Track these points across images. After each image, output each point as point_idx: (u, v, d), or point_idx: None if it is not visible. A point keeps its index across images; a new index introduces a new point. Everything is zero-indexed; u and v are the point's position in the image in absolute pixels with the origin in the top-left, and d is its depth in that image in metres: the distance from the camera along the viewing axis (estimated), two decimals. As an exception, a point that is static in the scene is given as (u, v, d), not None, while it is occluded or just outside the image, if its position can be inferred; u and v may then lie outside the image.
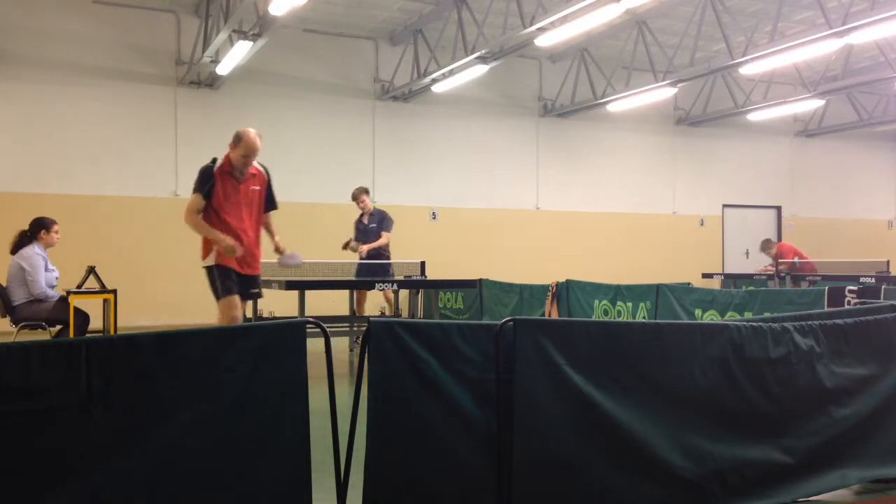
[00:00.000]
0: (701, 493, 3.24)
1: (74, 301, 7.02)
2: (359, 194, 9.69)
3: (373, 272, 9.26)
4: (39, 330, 7.05)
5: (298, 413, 2.82)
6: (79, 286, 7.56)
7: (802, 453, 3.49)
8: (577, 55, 14.95)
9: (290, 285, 7.22)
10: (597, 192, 16.36)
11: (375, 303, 11.09)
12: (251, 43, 10.65)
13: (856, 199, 19.25)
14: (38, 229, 7.21)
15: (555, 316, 10.12)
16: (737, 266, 17.36)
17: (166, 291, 12.48)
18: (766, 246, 12.77)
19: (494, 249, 14.86)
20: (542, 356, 3.01)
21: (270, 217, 6.04)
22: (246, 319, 8.03)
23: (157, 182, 12.76)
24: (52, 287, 7.20)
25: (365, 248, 9.35)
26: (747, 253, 18.02)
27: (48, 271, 7.15)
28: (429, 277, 9.34)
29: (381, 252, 9.50)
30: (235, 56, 11.16)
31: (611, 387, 3.13)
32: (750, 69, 12.89)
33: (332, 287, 8.96)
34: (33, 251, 7.06)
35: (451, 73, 12.91)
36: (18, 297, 7.01)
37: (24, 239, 7.17)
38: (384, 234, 9.43)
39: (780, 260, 12.21)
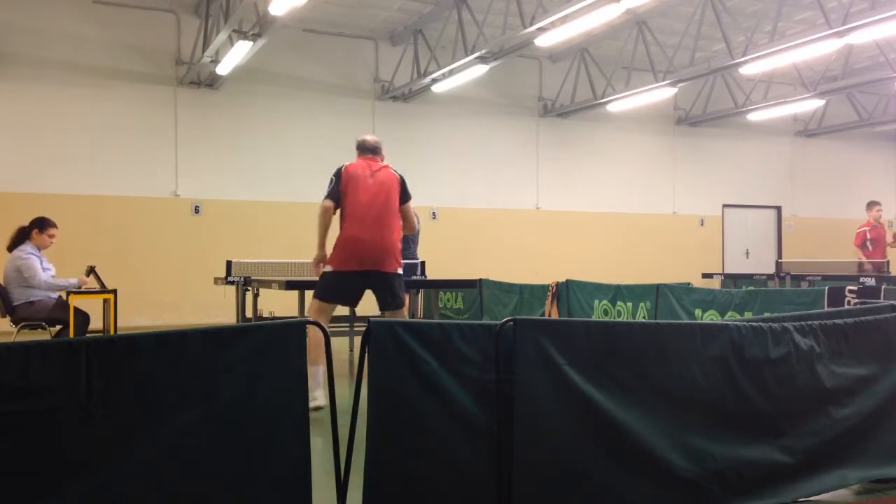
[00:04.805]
0: (701, 493, 3.23)
1: (74, 301, 7.02)
2: None
3: None
4: (39, 330, 7.05)
5: (298, 413, 2.82)
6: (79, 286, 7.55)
7: (802, 453, 3.49)
8: (577, 55, 14.95)
9: (290, 285, 7.20)
10: (597, 192, 16.36)
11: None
12: (251, 43, 10.66)
13: (856, 199, 19.15)
14: (32, 228, 7.21)
15: (555, 316, 10.11)
16: (737, 266, 17.35)
17: (166, 291, 12.49)
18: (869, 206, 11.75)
19: (494, 249, 14.86)
20: (542, 356, 3.01)
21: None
22: (245, 319, 8.06)
23: (157, 182, 12.74)
24: (50, 286, 7.20)
25: None
26: (747, 253, 18.03)
27: (44, 270, 7.13)
28: (429, 277, 9.32)
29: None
30: (235, 56, 11.16)
31: (611, 387, 3.12)
32: (750, 69, 12.89)
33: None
34: (24, 251, 7.05)
35: (451, 73, 12.91)
36: (18, 297, 7.01)
37: (21, 236, 7.17)
38: None
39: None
